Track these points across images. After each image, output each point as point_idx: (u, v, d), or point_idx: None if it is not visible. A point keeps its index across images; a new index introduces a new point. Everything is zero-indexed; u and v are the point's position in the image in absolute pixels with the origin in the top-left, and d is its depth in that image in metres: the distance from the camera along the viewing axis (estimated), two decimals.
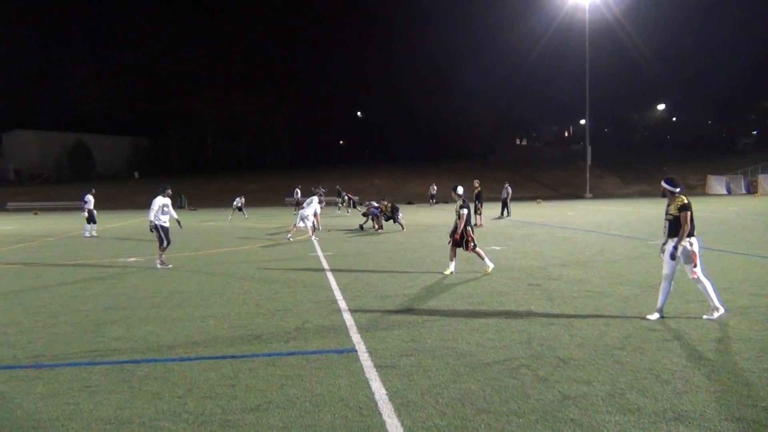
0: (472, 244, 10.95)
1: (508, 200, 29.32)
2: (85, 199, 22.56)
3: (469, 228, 11.00)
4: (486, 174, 62.05)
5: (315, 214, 19.87)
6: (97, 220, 22.86)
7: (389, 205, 22.72)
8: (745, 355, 5.67)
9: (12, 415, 4.61)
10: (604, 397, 4.68)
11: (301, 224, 18.95)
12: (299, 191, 38.76)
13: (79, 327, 7.50)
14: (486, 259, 11.09)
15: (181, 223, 14.40)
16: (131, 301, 9.23)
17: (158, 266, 12.89)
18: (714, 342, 6.15)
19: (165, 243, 13.04)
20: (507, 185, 30.04)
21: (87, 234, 22.14)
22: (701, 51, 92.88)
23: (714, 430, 4.05)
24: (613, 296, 8.68)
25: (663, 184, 7.42)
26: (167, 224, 13.18)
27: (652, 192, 62.32)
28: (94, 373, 5.61)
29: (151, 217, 12.98)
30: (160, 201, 13.09)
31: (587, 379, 5.12)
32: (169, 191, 13.49)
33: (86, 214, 22.40)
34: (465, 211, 10.96)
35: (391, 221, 22.32)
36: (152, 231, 13.17)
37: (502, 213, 28.88)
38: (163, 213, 13.08)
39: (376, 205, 22.81)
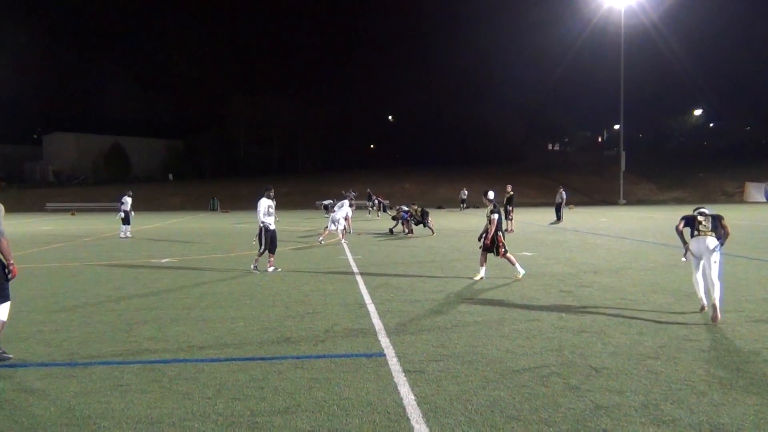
0: (503, 249, 10.85)
1: (563, 205, 28.71)
2: (123, 201, 23.04)
3: (500, 233, 10.91)
4: (518, 179, 61.59)
5: (346, 218, 19.93)
6: (131, 221, 23.29)
7: (419, 209, 22.68)
8: None
9: (46, 412, 4.69)
10: (637, 408, 4.58)
11: (333, 227, 19.03)
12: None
13: (112, 326, 7.62)
14: (517, 265, 10.98)
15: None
16: (163, 301, 9.35)
17: (269, 271, 12.42)
18: (752, 353, 5.98)
19: (263, 247, 12.45)
20: (561, 190, 29.09)
21: (122, 235, 22.63)
22: (739, 56, 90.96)
23: None
24: (646, 304, 8.51)
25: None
26: (273, 226, 12.60)
27: (687, 198, 61.20)
28: (126, 372, 5.68)
29: (262, 218, 12.40)
30: (266, 202, 12.55)
31: (620, 388, 5.02)
32: (272, 192, 12.90)
33: (122, 215, 22.88)
34: (496, 216, 10.86)
35: (421, 225, 22.28)
36: (260, 235, 12.50)
37: (558, 218, 28.02)
38: (269, 215, 12.54)
39: (406, 209, 22.79)
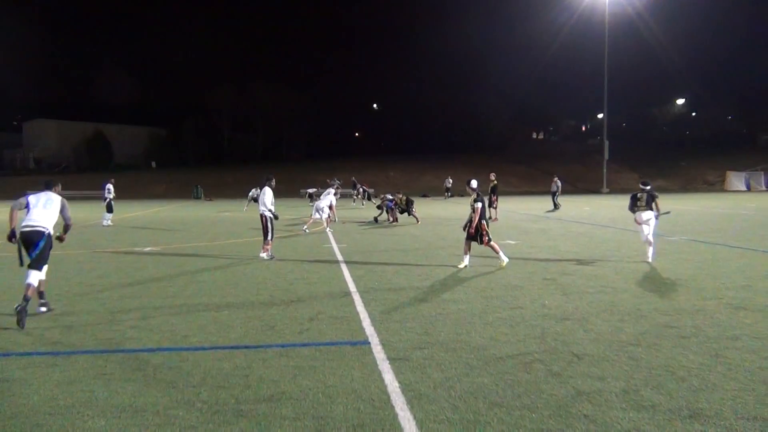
0: (487, 238, 10.90)
1: (558, 194, 29.18)
2: (107, 188, 23.04)
3: (483, 222, 10.96)
4: (502, 167, 61.73)
5: (331, 206, 19.90)
6: (113, 209, 23.19)
7: (404, 197, 22.71)
8: (763, 354, 5.60)
9: (29, 401, 4.66)
10: (618, 394, 4.64)
11: (317, 216, 19.01)
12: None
13: (95, 315, 7.58)
14: (501, 253, 11.04)
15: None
16: (147, 290, 9.30)
17: (265, 258, 12.48)
18: (731, 339, 6.08)
19: (271, 235, 12.59)
20: (556, 179, 29.80)
21: (105, 223, 22.56)
22: (722, 46, 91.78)
23: (729, 428, 4.01)
24: (628, 292, 8.61)
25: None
26: (276, 215, 12.75)
27: (670, 187, 61.77)
28: (109, 362, 5.66)
29: (270, 207, 12.49)
30: (271, 191, 12.68)
31: (601, 375, 5.09)
32: (274, 182, 13.03)
33: (106, 204, 22.87)
34: (479, 204, 10.90)
35: (406, 214, 22.32)
36: (266, 223, 12.53)
37: (554, 206, 28.71)
38: (272, 204, 12.62)
39: (390, 197, 22.81)
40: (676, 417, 4.20)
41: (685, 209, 29.23)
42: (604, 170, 58.72)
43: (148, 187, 62.52)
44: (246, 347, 6.09)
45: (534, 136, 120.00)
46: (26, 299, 7.07)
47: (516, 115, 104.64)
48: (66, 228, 8.13)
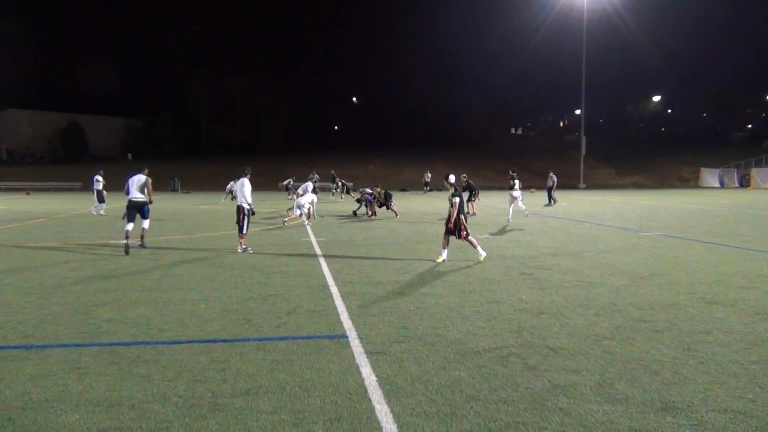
0: (465, 232, 10.95)
1: (554, 189, 29.60)
2: (95, 179, 23.80)
3: (462, 216, 11.00)
4: (481, 162, 62.15)
5: (312, 203, 19.87)
6: (105, 199, 23.97)
7: (382, 191, 22.72)
8: (733, 347, 5.70)
9: (1, 396, 4.59)
10: (593, 387, 4.70)
11: (297, 212, 18.96)
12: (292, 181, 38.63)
13: (69, 308, 7.48)
14: (479, 248, 11.10)
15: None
16: (122, 283, 9.20)
17: (240, 251, 12.41)
18: (703, 334, 6.18)
19: (246, 228, 12.57)
20: (552, 174, 30.31)
21: (94, 212, 23.34)
22: (698, 44, 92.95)
23: (701, 421, 4.08)
24: (603, 286, 8.71)
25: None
26: (254, 210, 12.81)
27: (646, 183, 62.58)
28: (84, 355, 5.59)
29: (250, 200, 12.51)
30: (249, 184, 12.66)
31: (576, 368, 5.15)
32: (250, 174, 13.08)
33: (95, 194, 23.71)
34: (457, 199, 10.94)
35: (385, 208, 22.34)
36: (243, 215, 12.55)
37: (552, 201, 29.16)
38: (250, 197, 12.61)
39: (369, 191, 22.80)
40: (649, 410, 4.26)
41: (660, 205, 29.65)
42: (581, 166, 59.28)
43: (124, 179, 61.69)
44: (223, 341, 6.05)
45: (513, 131, 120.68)
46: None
47: (495, 111, 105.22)
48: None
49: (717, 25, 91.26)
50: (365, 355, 5.51)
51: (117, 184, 56.62)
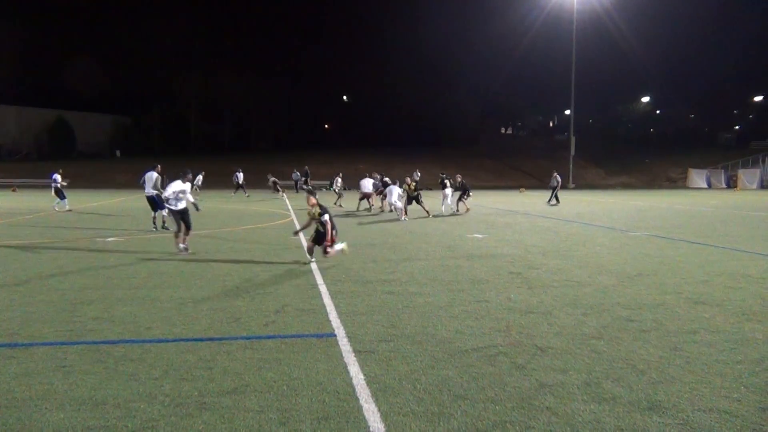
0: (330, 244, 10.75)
1: (558, 188, 29.98)
2: (54, 178, 23.97)
3: (334, 232, 10.83)
4: (471, 162, 62.22)
5: (399, 195, 20.66)
6: (65, 195, 24.23)
7: (413, 184, 21.79)
8: (719, 347, 5.74)
9: None
10: (580, 386, 4.72)
11: (399, 211, 20.25)
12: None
13: (55, 306, 7.41)
14: (337, 246, 10.89)
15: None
16: (109, 281, 9.13)
17: (182, 247, 12.16)
18: (690, 333, 6.22)
19: (177, 227, 12.34)
20: (556, 174, 30.90)
21: (57, 208, 23.64)
22: (686, 45, 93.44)
23: (687, 420, 4.10)
24: (592, 286, 8.75)
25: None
26: (182, 206, 12.31)
27: (634, 183, 62.94)
28: (69, 353, 5.55)
29: (167, 193, 12.30)
30: (180, 186, 12.32)
31: (564, 367, 5.16)
32: (190, 175, 12.92)
33: (53, 191, 24.06)
34: (326, 216, 10.74)
35: (414, 202, 21.50)
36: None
37: (556, 200, 29.77)
38: (177, 199, 12.20)
39: (372, 181, 23.77)
40: (635, 409, 4.28)
41: (648, 205, 29.82)
42: (571, 166, 59.50)
43: (113, 176, 61.33)
44: (210, 339, 6.02)
45: (502, 131, 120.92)
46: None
47: (485, 110, 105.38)
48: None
49: (705, 26, 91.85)
50: (353, 354, 5.50)
51: (105, 180, 56.02)
